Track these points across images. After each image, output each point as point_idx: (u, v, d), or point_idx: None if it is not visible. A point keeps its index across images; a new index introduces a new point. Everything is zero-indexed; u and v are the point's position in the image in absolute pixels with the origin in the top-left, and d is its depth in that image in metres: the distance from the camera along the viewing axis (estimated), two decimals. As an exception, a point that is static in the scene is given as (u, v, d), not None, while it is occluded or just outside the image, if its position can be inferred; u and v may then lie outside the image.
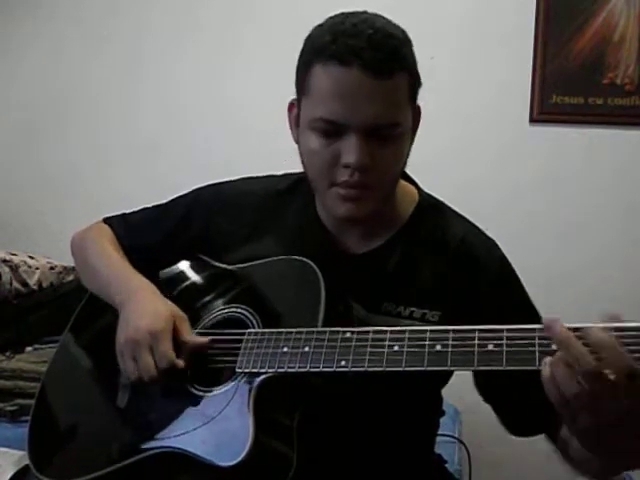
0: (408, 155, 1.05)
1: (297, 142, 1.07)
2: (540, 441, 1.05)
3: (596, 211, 2.27)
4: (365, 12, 1.01)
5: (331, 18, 1.01)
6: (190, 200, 1.23)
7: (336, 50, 0.94)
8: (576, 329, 0.74)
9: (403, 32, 1.00)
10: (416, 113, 1.05)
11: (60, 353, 1.23)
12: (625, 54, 2.20)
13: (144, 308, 1.05)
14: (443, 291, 1.04)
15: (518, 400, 1.02)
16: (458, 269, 1.05)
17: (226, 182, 1.23)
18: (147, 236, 1.23)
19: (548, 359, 0.75)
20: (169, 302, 1.09)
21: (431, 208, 1.12)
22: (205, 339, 1.04)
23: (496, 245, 1.11)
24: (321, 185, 1.02)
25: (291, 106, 1.08)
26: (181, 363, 1.00)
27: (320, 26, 1.01)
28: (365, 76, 0.93)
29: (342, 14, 1.01)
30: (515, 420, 1.07)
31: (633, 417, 0.73)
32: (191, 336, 1.04)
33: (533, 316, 1.04)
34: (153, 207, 1.27)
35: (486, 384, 1.07)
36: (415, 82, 1.01)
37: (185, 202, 1.23)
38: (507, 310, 0.93)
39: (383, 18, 1.00)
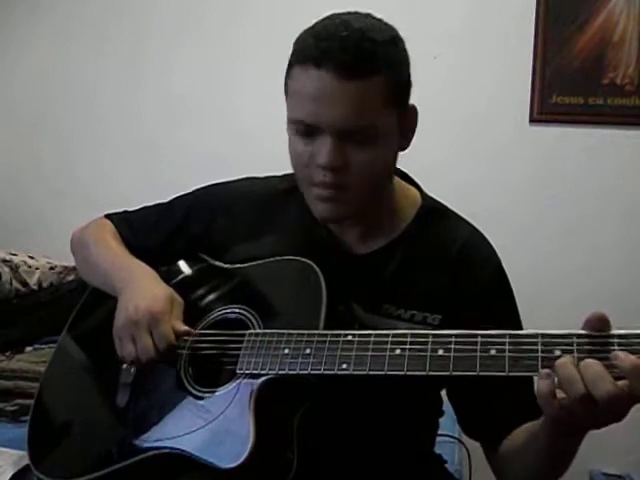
0: (395, 157, 1.05)
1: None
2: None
3: (596, 211, 2.27)
4: (353, 13, 1.00)
5: (320, 21, 1.01)
6: (191, 200, 1.23)
7: (312, 52, 0.95)
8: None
9: (388, 32, 0.98)
10: (409, 114, 1.04)
11: (59, 353, 1.23)
12: (625, 54, 2.20)
13: (144, 291, 1.06)
14: (444, 295, 1.04)
15: (479, 406, 1.04)
16: (459, 273, 1.05)
17: (227, 182, 1.23)
18: (148, 236, 1.23)
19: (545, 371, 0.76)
20: (167, 286, 1.10)
21: (433, 211, 1.12)
22: (187, 329, 1.04)
23: (495, 252, 1.11)
24: (303, 185, 1.04)
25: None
26: (180, 345, 1.02)
27: (307, 29, 1.01)
28: (334, 78, 0.93)
29: (330, 16, 1.00)
30: (471, 423, 1.09)
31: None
32: (178, 324, 1.04)
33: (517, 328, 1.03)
34: (154, 206, 1.27)
35: (455, 385, 1.08)
36: (397, 84, 0.98)
37: (186, 202, 1.23)
38: (495, 318, 0.93)
39: (371, 18, 0.99)
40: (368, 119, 0.96)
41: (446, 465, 1.26)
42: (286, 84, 1.02)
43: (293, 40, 1.03)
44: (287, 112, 1.02)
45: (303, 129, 0.98)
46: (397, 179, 1.12)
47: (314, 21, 1.02)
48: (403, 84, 1.00)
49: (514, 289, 1.11)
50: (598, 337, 0.75)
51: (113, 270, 1.16)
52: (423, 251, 1.08)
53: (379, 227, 1.09)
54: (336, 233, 1.11)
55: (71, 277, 2.13)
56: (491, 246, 1.11)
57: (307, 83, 0.96)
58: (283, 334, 0.94)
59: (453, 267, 1.06)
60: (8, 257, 2.01)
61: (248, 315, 1.03)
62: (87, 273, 1.27)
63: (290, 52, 1.02)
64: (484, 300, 1.04)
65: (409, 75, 1.02)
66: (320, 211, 1.02)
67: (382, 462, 1.06)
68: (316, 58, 0.94)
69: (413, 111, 1.05)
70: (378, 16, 1.02)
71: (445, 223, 1.11)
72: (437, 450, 1.24)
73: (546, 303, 2.17)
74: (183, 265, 1.20)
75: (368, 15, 1.01)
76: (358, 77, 0.93)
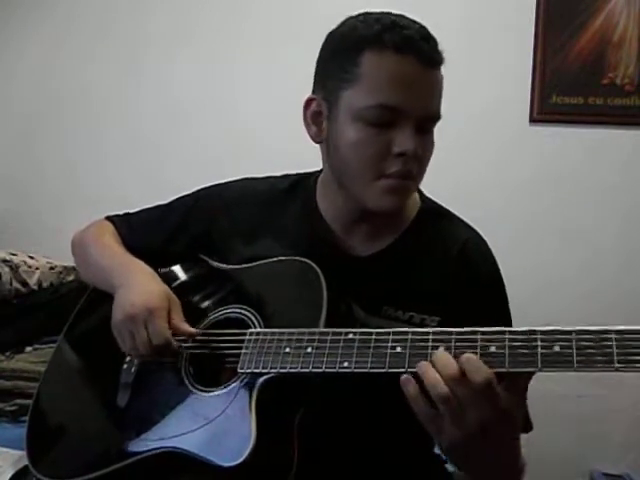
0: None
1: (316, 139, 1.07)
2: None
3: (596, 211, 2.27)
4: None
5: (362, 14, 1.02)
6: (192, 201, 1.23)
7: (391, 39, 0.96)
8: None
9: None
10: None
11: (58, 353, 1.24)
12: (625, 54, 2.20)
13: (140, 287, 1.07)
14: (442, 297, 1.04)
15: None
16: (457, 276, 1.05)
17: (227, 183, 1.23)
18: (149, 237, 1.23)
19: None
20: (164, 284, 1.10)
21: (433, 213, 1.12)
22: (195, 330, 1.05)
23: (492, 255, 1.11)
24: (366, 178, 1.00)
25: (309, 102, 1.06)
26: (175, 343, 1.02)
27: (355, 18, 1.02)
28: (417, 65, 0.96)
29: (374, 12, 1.02)
30: None
31: (496, 427, 0.78)
32: (182, 324, 1.05)
33: None
34: (155, 207, 1.27)
35: None
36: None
37: (187, 203, 1.23)
38: (488, 320, 0.93)
39: None
40: (439, 108, 1.01)
41: (446, 465, 1.26)
42: (346, 72, 0.99)
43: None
44: (350, 100, 0.99)
45: (380, 116, 0.97)
46: None
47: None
48: None
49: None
50: (596, 333, 0.75)
51: (111, 267, 1.16)
52: (422, 253, 1.08)
53: (383, 228, 1.09)
54: (339, 234, 1.11)
55: (71, 277, 2.13)
56: (489, 248, 1.12)
57: (390, 68, 0.96)
58: (284, 333, 0.94)
59: (452, 269, 1.06)
60: (8, 257, 2.01)
61: (249, 315, 1.04)
62: (86, 273, 1.27)
63: (335, 41, 1.03)
64: (479, 301, 1.04)
65: None
66: (388, 203, 1.01)
67: (382, 462, 1.06)
68: (397, 45, 0.95)
69: None
70: None
71: (444, 225, 1.12)
72: (437, 450, 1.23)
73: (546, 303, 2.17)
74: (183, 266, 1.21)
75: None
76: (435, 66, 0.98)
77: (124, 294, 1.07)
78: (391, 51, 0.96)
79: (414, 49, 0.96)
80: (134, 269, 1.14)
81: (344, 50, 1.00)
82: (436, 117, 1.01)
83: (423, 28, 1.00)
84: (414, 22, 1.00)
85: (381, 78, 0.97)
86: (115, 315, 1.06)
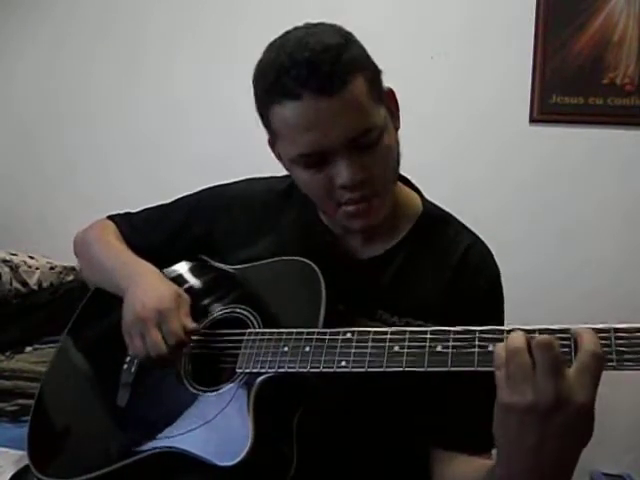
0: (398, 144, 1.04)
1: (288, 170, 1.07)
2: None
3: (596, 211, 2.27)
4: (296, 29, 1.00)
5: (268, 50, 1.01)
6: (193, 201, 1.23)
7: (282, 88, 0.93)
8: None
9: (339, 33, 0.97)
10: (389, 97, 1.03)
11: (60, 353, 1.23)
12: (625, 54, 2.20)
13: (150, 288, 1.06)
14: (441, 303, 1.03)
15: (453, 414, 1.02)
16: (457, 283, 1.05)
17: (228, 184, 1.24)
18: (150, 236, 1.23)
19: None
20: (173, 284, 1.10)
21: (435, 218, 1.12)
22: (194, 326, 1.03)
23: (494, 263, 1.10)
24: (328, 208, 1.03)
25: (269, 140, 1.07)
26: (189, 340, 1.02)
27: (260, 63, 1.01)
28: (319, 100, 0.91)
29: (277, 41, 1.00)
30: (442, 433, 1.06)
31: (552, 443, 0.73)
32: (185, 319, 1.04)
33: None
34: (157, 207, 1.28)
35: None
36: (373, 75, 0.98)
37: (188, 203, 1.23)
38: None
39: (314, 27, 0.99)
40: (367, 121, 0.95)
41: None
42: (269, 126, 1.01)
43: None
44: (281, 150, 1.02)
45: (309, 161, 0.97)
46: (399, 184, 1.11)
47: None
48: (376, 74, 1.00)
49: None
50: (596, 331, 0.75)
51: (116, 268, 1.16)
52: (422, 259, 1.08)
53: (383, 231, 1.09)
54: (339, 235, 1.11)
55: (71, 277, 2.13)
56: (491, 255, 1.11)
57: (293, 117, 0.94)
58: (282, 333, 0.94)
59: (451, 276, 1.06)
60: (8, 257, 2.01)
61: (248, 315, 1.04)
62: (90, 273, 1.27)
63: (254, 91, 1.04)
64: (476, 309, 1.04)
65: (375, 64, 1.01)
66: (358, 225, 1.02)
67: (381, 461, 1.06)
68: (290, 91, 0.92)
69: (391, 93, 1.05)
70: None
71: (446, 231, 1.11)
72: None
73: (545, 303, 2.17)
74: (184, 266, 1.21)
75: (310, 25, 1.00)
76: (339, 87, 0.92)
77: (134, 295, 1.06)
78: (287, 99, 0.93)
79: (308, 87, 0.91)
80: (140, 269, 1.14)
81: (258, 104, 1.02)
82: (367, 130, 0.95)
83: (315, 55, 0.91)
84: (307, 49, 0.92)
85: (287, 130, 0.96)
86: (125, 317, 1.05)
